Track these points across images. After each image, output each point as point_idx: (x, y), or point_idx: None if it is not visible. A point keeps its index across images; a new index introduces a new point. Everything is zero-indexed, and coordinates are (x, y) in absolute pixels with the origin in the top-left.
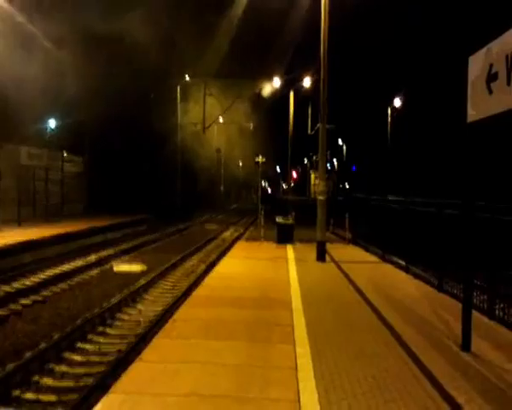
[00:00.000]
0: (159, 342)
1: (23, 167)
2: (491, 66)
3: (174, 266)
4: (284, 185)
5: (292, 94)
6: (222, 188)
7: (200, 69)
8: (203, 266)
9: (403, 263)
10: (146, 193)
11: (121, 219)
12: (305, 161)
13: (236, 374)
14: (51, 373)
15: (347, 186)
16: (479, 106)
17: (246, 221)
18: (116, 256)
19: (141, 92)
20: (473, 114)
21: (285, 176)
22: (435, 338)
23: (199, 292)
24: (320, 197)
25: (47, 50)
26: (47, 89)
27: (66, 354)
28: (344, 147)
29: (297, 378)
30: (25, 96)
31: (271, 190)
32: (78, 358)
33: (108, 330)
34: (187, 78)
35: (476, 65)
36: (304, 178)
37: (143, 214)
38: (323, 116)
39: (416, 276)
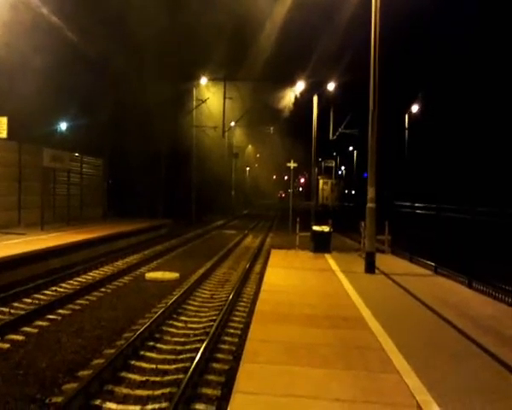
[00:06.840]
0: (249, 369)
1: (45, 169)
2: None
3: (207, 275)
4: (289, 190)
5: (315, 98)
6: (233, 193)
7: (220, 71)
8: (237, 275)
9: (463, 278)
10: (161, 197)
11: (142, 224)
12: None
13: None
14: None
15: (353, 193)
16: None
17: (262, 227)
18: (146, 262)
19: (157, 93)
20: None
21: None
22: None
23: (262, 307)
24: (370, 205)
25: (64, 48)
26: (60, 88)
27: (123, 374)
28: (355, 153)
29: None
30: (37, 96)
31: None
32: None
33: (159, 346)
34: (203, 80)
35: None
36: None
37: (162, 219)
38: (373, 122)
39: (482, 292)
